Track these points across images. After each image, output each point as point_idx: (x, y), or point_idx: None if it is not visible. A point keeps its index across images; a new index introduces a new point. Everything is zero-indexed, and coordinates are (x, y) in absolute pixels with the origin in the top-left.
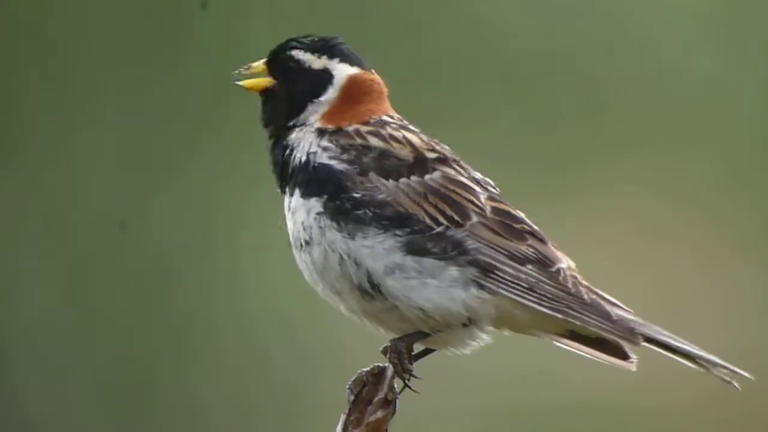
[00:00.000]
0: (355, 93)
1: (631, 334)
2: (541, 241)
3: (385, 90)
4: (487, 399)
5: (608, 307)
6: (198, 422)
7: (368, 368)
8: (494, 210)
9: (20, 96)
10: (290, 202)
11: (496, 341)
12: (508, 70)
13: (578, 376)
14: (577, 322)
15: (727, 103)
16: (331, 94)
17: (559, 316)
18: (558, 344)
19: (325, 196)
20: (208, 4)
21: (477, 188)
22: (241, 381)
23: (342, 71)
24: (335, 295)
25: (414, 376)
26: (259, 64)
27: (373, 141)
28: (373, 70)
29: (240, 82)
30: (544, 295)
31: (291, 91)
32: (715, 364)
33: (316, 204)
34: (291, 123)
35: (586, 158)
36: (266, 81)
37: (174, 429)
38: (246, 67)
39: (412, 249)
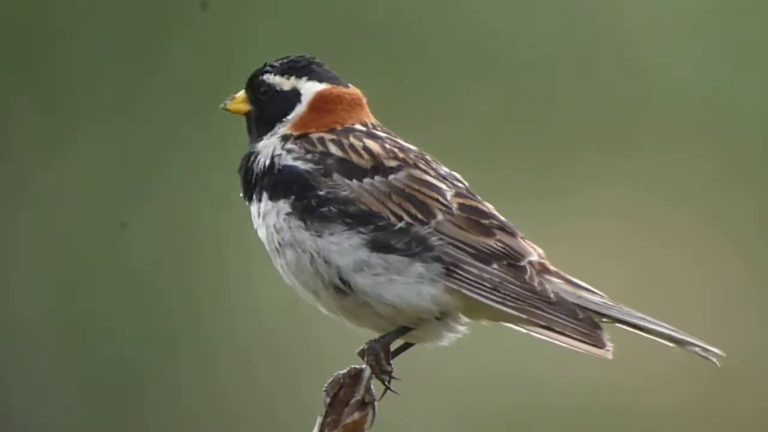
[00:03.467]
0: (323, 106)
1: (595, 332)
2: (511, 234)
3: (361, 99)
4: (466, 400)
5: (575, 300)
6: (186, 423)
7: (345, 370)
8: (461, 206)
9: (17, 95)
10: (260, 207)
11: (476, 342)
12: (494, 68)
13: (559, 377)
14: (542, 323)
15: (718, 98)
16: (299, 110)
17: (524, 316)
18: (534, 334)
19: (293, 197)
20: (209, 4)
21: (443, 186)
22: (227, 382)
23: (310, 89)
24: (312, 295)
25: (393, 378)
26: (242, 93)
27: (333, 149)
28: (349, 85)
29: (227, 107)
30: (509, 295)
31: (264, 114)
32: (688, 343)
33: (284, 205)
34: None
35: (575, 155)
36: (245, 107)
37: (162, 430)
38: (230, 98)
39: (377, 246)
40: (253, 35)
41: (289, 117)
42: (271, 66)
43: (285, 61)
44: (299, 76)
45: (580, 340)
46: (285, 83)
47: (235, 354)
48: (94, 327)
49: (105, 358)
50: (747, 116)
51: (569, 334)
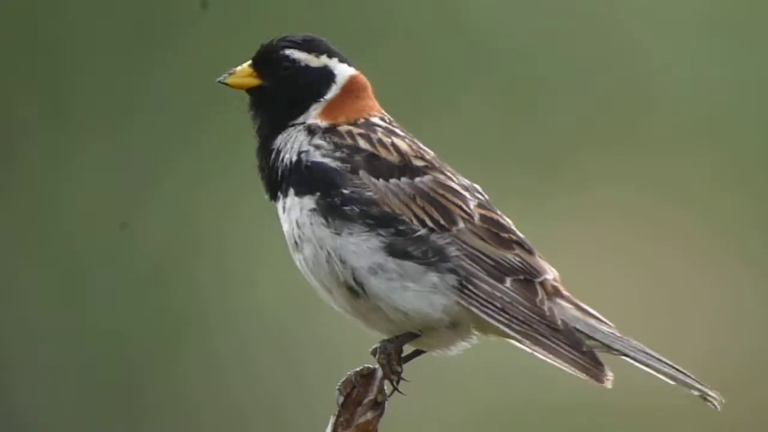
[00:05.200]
0: (354, 91)
1: (596, 366)
2: (529, 251)
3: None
4: (475, 399)
5: (583, 328)
6: (188, 423)
7: (358, 369)
8: (483, 218)
9: (18, 97)
10: (285, 203)
11: (485, 341)
12: (495, 68)
13: (565, 377)
14: (545, 351)
15: (719, 99)
16: (334, 91)
17: (528, 342)
18: (538, 355)
19: (318, 194)
20: (209, 4)
21: (467, 194)
22: (230, 381)
23: (344, 71)
24: (326, 293)
25: (402, 379)
26: (245, 67)
27: (362, 143)
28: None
29: (226, 81)
30: (516, 318)
31: (290, 90)
32: (691, 386)
33: (309, 201)
34: (291, 121)
35: (575, 156)
36: (254, 81)
37: (164, 429)
38: (231, 72)
39: (394, 251)
40: (253, 35)
41: (327, 96)
42: (291, 42)
43: (304, 38)
44: (330, 56)
45: (580, 371)
46: (313, 60)
47: (239, 354)
48: (97, 327)
49: (107, 357)
50: (748, 117)
51: (570, 365)
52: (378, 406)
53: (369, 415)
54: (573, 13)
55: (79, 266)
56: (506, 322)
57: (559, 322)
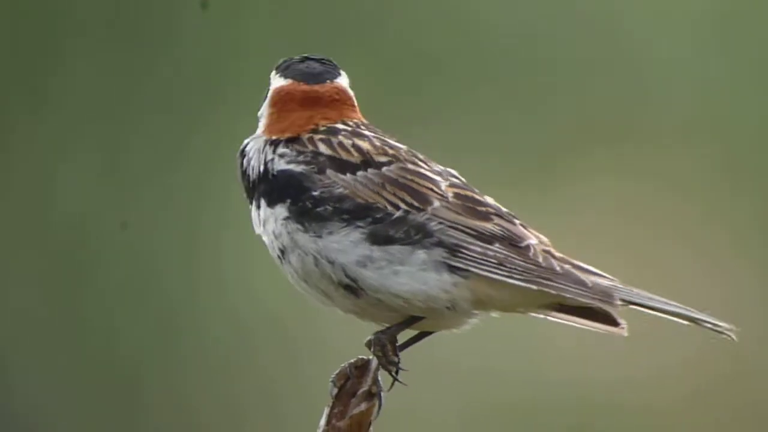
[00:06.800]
0: (283, 103)
1: (608, 296)
2: (509, 221)
3: (345, 97)
4: (470, 395)
5: (582, 275)
6: (187, 419)
7: (352, 360)
8: (456, 195)
9: (16, 96)
10: (259, 215)
11: (480, 338)
12: (492, 63)
13: (560, 373)
14: (552, 291)
15: (718, 94)
16: (264, 107)
17: (533, 287)
18: (549, 318)
19: (289, 201)
20: (209, 4)
21: (437, 177)
22: (228, 377)
23: (273, 84)
24: (325, 298)
25: (400, 368)
26: None
27: (322, 148)
28: (328, 81)
29: None
30: (515, 269)
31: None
32: (701, 320)
33: (281, 210)
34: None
35: (575, 150)
36: None
37: (164, 426)
38: None
39: (377, 239)
40: (253, 35)
41: (259, 113)
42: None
43: (289, 59)
44: (277, 72)
45: (593, 300)
46: (271, 78)
47: (237, 349)
48: (96, 326)
49: (107, 357)
50: (748, 115)
51: (581, 299)
52: (372, 397)
53: (363, 406)
54: (573, 13)
55: (79, 266)
56: (507, 274)
57: (558, 267)
